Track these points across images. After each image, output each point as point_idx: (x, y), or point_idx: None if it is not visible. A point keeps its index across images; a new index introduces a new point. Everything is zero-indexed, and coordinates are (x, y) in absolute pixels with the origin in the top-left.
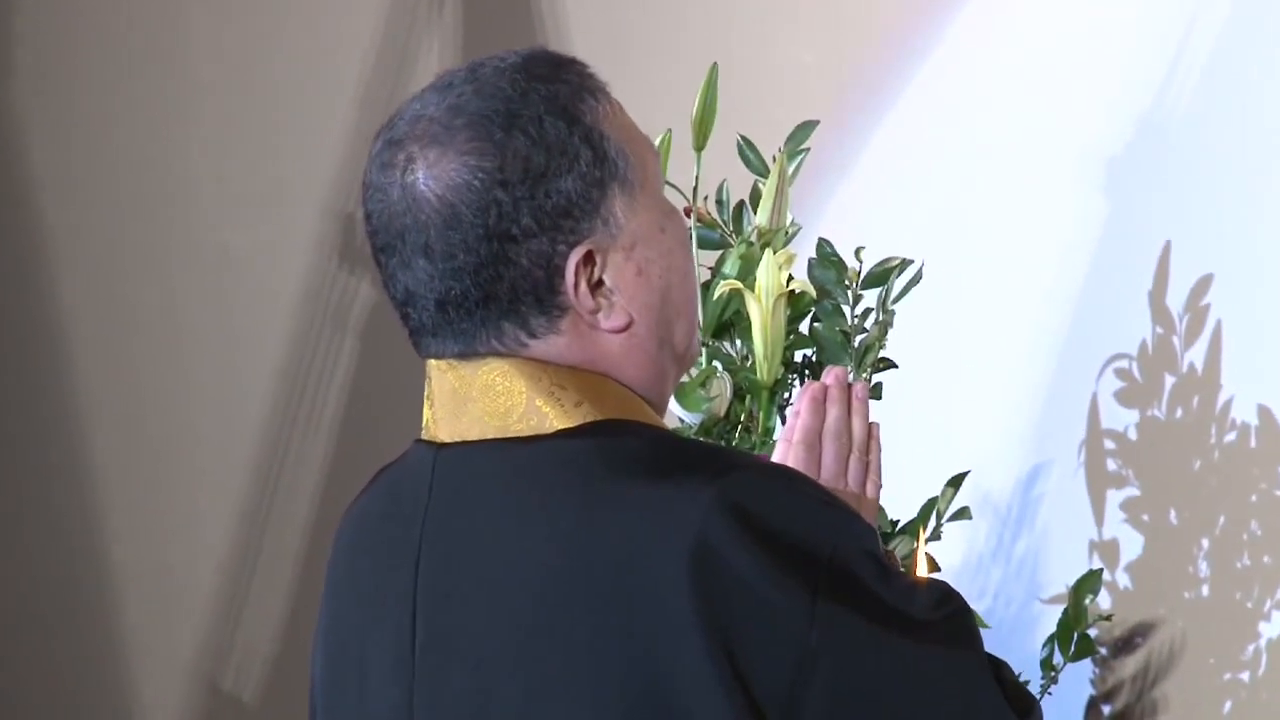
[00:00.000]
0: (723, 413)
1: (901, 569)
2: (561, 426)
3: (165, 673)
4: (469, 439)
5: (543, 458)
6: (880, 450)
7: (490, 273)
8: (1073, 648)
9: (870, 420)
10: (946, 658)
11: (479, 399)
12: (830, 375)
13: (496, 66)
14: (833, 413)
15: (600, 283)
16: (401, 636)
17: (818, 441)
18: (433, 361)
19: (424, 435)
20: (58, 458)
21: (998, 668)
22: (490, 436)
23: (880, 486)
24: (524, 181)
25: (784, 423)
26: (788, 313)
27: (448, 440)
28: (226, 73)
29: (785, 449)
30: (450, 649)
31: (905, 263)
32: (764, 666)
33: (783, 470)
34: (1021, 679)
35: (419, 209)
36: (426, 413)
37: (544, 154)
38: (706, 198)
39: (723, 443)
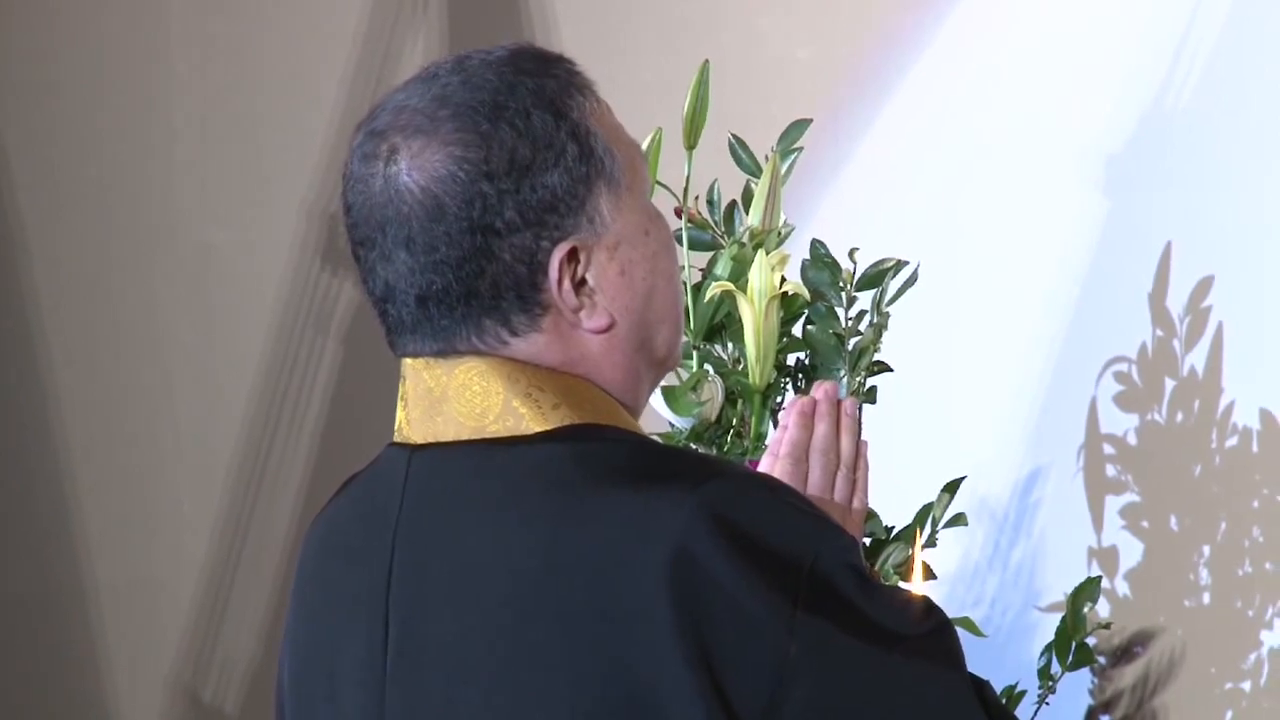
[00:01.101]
0: (714, 417)
1: (885, 582)
2: (538, 429)
3: (146, 683)
4: (443, 440)
5: (520, 462)
6: (868, 468)
7: (473, 267)
8: (1071, 656)
9: (859, 438)
10: (928, 675)
11: (455, 398)
12: (819, 390)
13: (483, 59)
14: (821, 428)
15: (583, 281)
16: (373, 641)
17: (804, 456)
18: (409, 360)
19: (396, 438)
20: (35, 460)
21: (980, 687)
22: (465, 438)
23: (866, 505)
24: (509, 174)
25: (776, 428)
26: (780, 315)
27: (421, 442)
28: (209, 70)
29: (771, 463)
30: (423, 654)
31: (901, 264)
32: (743, 677)
33: (766, 480)
34: (1019, 688)
35: (401, 200)
36: (400, 414)
37: (530, 147)
38: (698, 198)
39: (714, 447)
